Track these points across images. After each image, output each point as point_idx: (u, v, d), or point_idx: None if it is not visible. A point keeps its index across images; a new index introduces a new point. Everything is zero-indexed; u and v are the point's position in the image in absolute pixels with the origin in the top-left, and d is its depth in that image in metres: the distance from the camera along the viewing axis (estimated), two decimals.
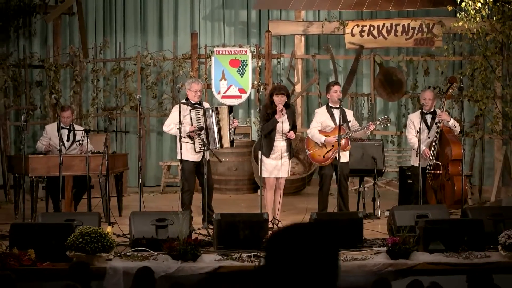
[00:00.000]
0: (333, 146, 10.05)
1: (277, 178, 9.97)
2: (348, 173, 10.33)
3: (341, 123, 10.01)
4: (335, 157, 10.03)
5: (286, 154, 9.92)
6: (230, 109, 10.27)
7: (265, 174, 9.93)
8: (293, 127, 9.98)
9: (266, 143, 9.88)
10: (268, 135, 9.86)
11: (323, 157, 10.13)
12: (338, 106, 10.15)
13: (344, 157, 10.11)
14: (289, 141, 9.98)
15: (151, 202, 11.69)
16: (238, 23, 14.48)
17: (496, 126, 12.22)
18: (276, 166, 9.86)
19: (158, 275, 7.51)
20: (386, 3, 12.94)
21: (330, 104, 10.24)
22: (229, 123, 10.07)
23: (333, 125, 10.13)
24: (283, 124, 9.84)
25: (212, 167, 10.61)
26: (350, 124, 10.15)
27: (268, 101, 10.06)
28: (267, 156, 9.85)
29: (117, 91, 13.89)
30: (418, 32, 13.02)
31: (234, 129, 10.27)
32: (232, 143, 10.22)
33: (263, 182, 10.19)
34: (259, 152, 9.97)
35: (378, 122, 10.41)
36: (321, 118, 10.22)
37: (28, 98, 13.52)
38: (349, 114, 10.38)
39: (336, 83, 10.54)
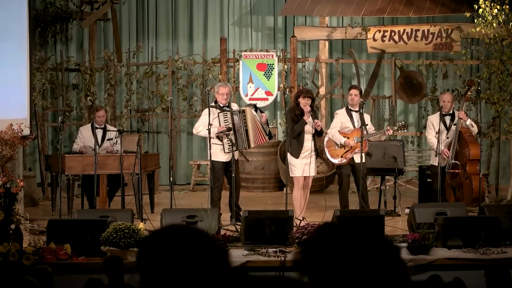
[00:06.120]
0: (351, 147, 10.15)
1: (305, 177, 10.01)
2: (365, 173, 10.37)
3: (360, 126, 10.11)
4: (353, 157, 10.18)
5: (313, 153, 10.02)
6: (254, 107, 10.36)
7: (297, 174, 9.99)
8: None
9: (296, 144, 9.93)
10: (297, 137, 9.93)
11: (341, 156, 10.26)
12: (356, 109, 10.24)
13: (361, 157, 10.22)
14: (314, 141, 10.07)
15: (181, 200, 11.80)
16: (265, 29, 14.58)
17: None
18: (306, 165, 9.94)
19: None
20: (406, 10, 13.03)
21: (349, 107, 10.37)
22: (259, 120, 10.18)
23: (352, 127, 10.24)
24: (310, 125, 9.96)
25: (239, 166, 10.36)
26: (367, 127, 10.22)
27: (294, 103, 10.15)
28: (297, 156, 9.91)
29: (149, 93, 14.01)
30: (437, 37, 13.06)
31: (267, 123, 10.33)
32: (270, 136, 10.28)
33: (292, 182, 10.22)
34: (288, 154, 9.96)
35: (396, 128, 10.50)
36: (341, 119, 10.34)
37: (65, 100, 13.65)
38: (367, 118, 10.44)
39: (352, 87, 10.59)
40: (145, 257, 2.43)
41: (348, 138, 10.24)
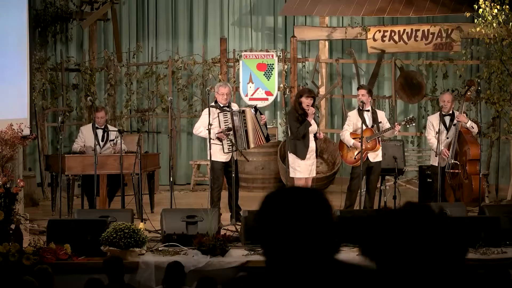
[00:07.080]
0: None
1: (306, 178, 10.04)
2: (379, 172, 10.44)
3: (371, 125, 10.21)
4: (367, 157, 10.20)
5: (315, 154, 10.08)
6: (255, 109, 10.37)
7: (299, 175, 10.01)
8: None
9: (302, 146, 9.96)
10: (302, 138, 9.97)
11: (355, 158, 10.31)
12: (367, 108, 10.29)
13: (377, 156, 10.29)
14: (315, 140, 10.14)
15: (181, 200, 11.81)
16: (265, 29, 14.62)
17: None
18: (310, 166, 9.99)
19: (188, 269, 7.59)
20: (406, 10, 13.03)
21: (360, 107, 10.42)
22: (258, 121, 10.20)
23: (363, 127, 10.27)
24: (313, 125, 10.06)
25: (239, 166, 10.54)
26: (381, 125, 10.31)
27: (295, 103, 10.18)
28: (304, 158, 9.93)
29: (149, 93, 14.05)
30: (437, 37, 13.05)
31: (265, 125, 10.36)
32: (267, 138, 10.32)
33: (292, 182, 10.19)
34: (290, 154, 9.98)
35: (403, 123, 10.56)
36: (353, 120, 10.38)
37: (65, 100, 13.67)
38: (381, 115, 10.52)
39: (359, 87, 10.72)
40: (265, 214, 2.46)
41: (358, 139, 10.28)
